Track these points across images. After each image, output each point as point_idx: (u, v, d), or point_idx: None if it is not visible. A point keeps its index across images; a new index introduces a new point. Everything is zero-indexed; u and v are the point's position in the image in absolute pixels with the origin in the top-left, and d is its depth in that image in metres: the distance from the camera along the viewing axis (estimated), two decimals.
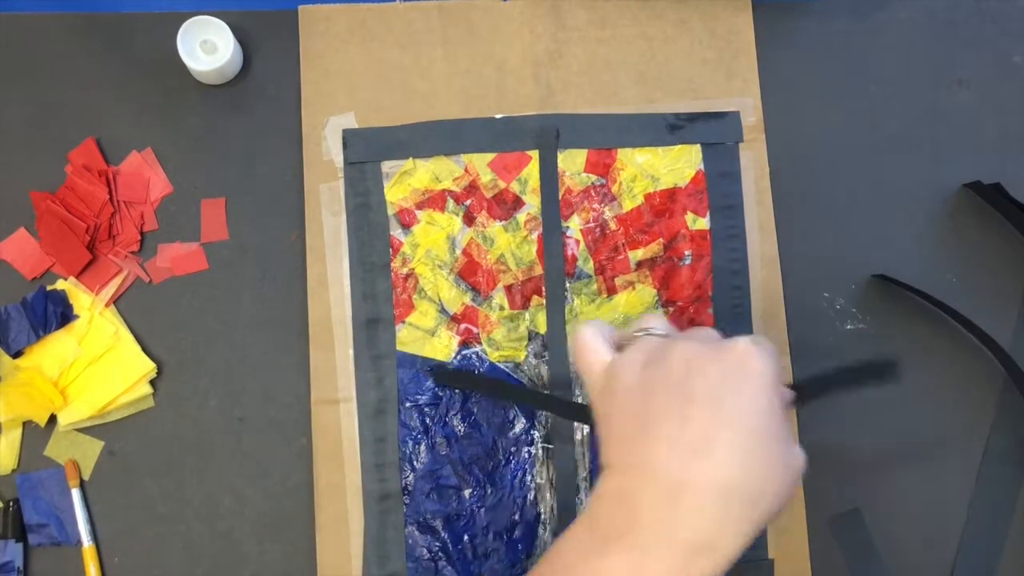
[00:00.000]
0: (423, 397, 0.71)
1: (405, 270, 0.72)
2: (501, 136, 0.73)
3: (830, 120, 0.76)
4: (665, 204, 0.73)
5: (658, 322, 0.52)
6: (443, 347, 0.71)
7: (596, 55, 0.75)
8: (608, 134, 0.74)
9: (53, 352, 0.69)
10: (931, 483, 0.73)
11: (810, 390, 0.52)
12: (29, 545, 0.68)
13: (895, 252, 0.75)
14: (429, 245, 0.72)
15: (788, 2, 0.77)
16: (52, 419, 0.69)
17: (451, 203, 0.72)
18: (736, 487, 0.42)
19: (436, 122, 0.73)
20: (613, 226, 0.73)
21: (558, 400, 0.70)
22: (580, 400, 0.71)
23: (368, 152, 0.72)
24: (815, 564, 0.71)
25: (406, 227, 0.72)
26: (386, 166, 0.72)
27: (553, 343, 0.71)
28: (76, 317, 0.70)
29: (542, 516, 0.70)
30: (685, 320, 0.72)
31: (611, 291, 0.72)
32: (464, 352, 0.71)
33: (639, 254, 0.73)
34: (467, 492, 0.70)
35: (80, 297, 0.70)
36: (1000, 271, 0.76)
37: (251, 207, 0.72)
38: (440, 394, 0.71)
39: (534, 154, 0.73)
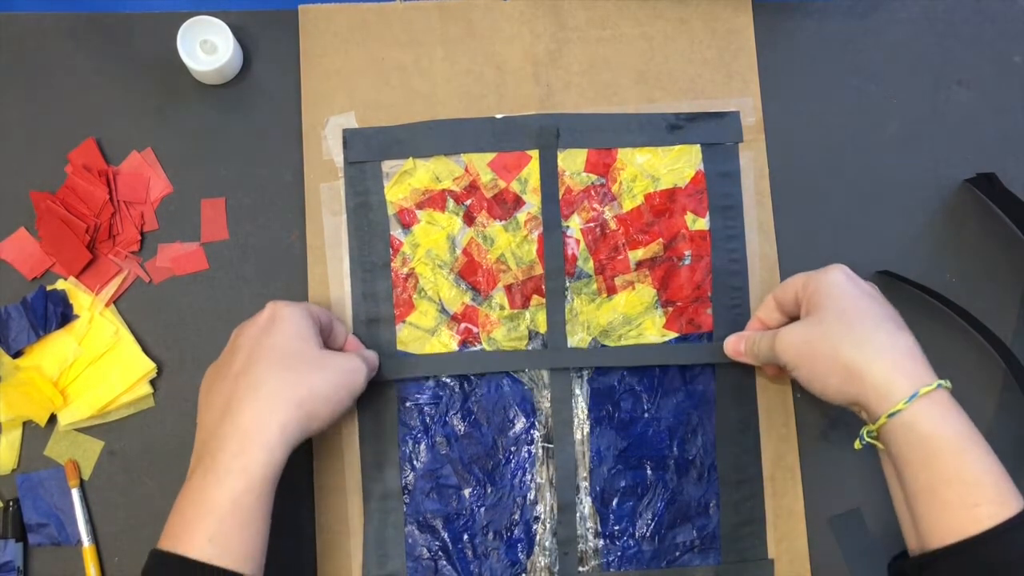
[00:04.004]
0: (423, 396, 0.71)
1: (405, 270, 0.72)
2: (501, 136, 0.73)
3: (830, 120, 0.76)
4: (665, 204, 0.73)
5: None
6: (443, 346, 0.71)
7: (596, 55, 0.75)
8: (608, 134, 0.74)
9: (53, 352, 0.69)
10: None
11: None
12: (29, 545, 0.68)
13: (895, 252, 0.75)
14: (429, 245, 0.72)
15: (788, 2, 0.77)
16: (52, 419, 0.69)
17: (451, 203, 0.72)
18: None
19: (436, 122, 0.73)
20: (613, 226, 0.73)
21: None
22: (579, 397, 0.71)
23: (368, 152, 0.72)
24: (815, 564, 0.71)
25: (406, 227, 0.72)
26: (386, 166, 0.72)
27: (553, 342, 0.71)
28: (76, 317, 0.70)
29: (542, 516, 0.70)
30: (684, 320, 0.72)
31: (611, 291, 0.72)
32: (464, 352, 0.71)
33: (639, 254, 0.73)
34: (467, 491, 0.70)
35: (80, 297, 0.70)
36: (999, 271, 0.75)
37: (251, 207, 0.72)
38: (440, 393, 0.71)
39: (534, 154, 0.73)
